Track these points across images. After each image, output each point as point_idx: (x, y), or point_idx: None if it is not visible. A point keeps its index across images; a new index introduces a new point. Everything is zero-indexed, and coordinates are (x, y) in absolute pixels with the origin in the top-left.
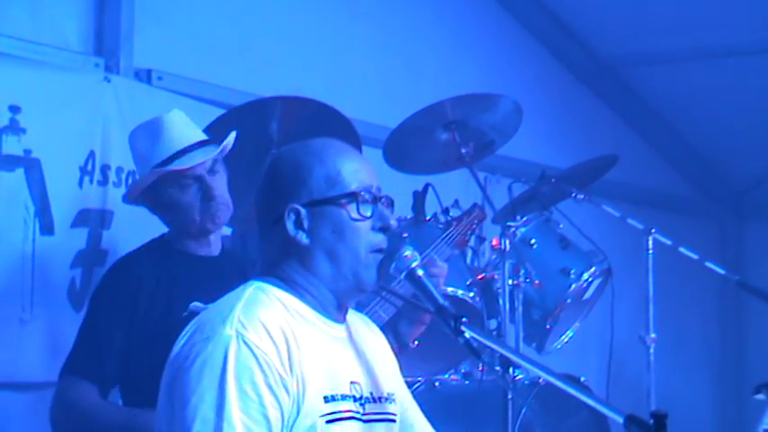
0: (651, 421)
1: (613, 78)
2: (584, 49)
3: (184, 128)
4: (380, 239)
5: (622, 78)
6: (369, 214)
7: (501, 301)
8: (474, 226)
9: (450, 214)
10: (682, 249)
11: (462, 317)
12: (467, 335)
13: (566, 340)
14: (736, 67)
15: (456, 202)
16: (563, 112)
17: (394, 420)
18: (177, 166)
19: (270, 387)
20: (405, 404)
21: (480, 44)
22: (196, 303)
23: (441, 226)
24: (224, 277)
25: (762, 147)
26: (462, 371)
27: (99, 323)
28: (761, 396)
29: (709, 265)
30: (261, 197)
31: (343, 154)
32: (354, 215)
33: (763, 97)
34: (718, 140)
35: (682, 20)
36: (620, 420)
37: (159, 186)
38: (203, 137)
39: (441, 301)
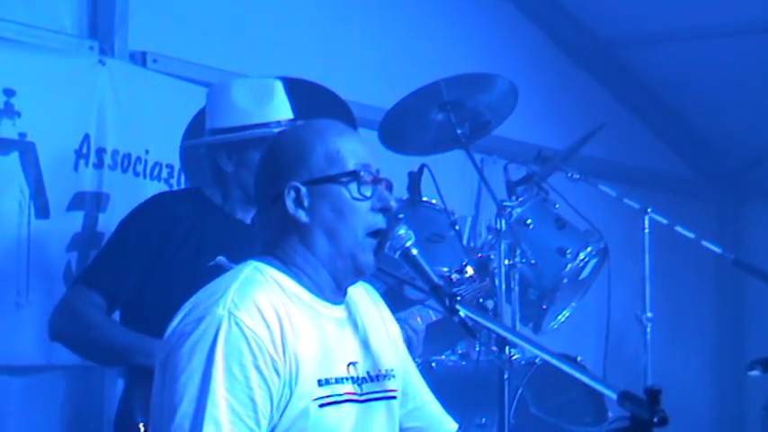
0: (645, 397)
1: (610, 59)
2: (580, 30)
3: (286, 102)
4: (379, 220)
5: (619, 59)
6: (369, 194)
7: (497, 282)
8: (481, 294)
9: (466, 273)
10: (678, 228)
11: (457, 296)
12: (461, 314)
13: (562, 320)
14: (733, 47)
15: (471, 221)
16: (559, 93)
17: (394, 397)
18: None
19: (258, 369)
20: (407, 378)
21: (476, 25)
22: (222, 258)
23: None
24: (252, 244)
25: (759, 127)
26: (459, 351)
27: (126, 245)
28: (755, 372)
29: (705, 244)
30: (261, 175)
31: (344, 133)
32: (355, 194)
33: (760, 77)
34: (715, 120)
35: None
36: (615, 397)
37: (247, 145)
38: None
39: (435, 280)
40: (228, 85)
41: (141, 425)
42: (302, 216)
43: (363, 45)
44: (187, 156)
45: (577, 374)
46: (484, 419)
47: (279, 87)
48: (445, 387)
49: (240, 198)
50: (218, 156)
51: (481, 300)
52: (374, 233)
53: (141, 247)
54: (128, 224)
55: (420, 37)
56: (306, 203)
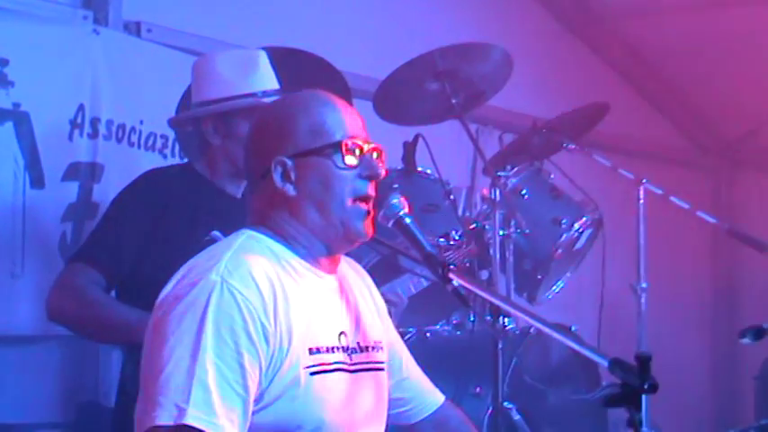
0: (635, 364)
1: (605, 29)
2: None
3: (271, 72)
4: (366, 187)
5: (614, 29)
6: (355, 163)
7: (492, 252)
8: (468, 258)
9: (452, 237)
10: (673, 199)
11: (450, 264)
12: (454, 282)
13: (557, 290)
14: (728, 18)
15: (466, 191)
16: (554, 63)
17: (382, 369)
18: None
19: (248, 335)
20: (393, 349)
21: None
22: (217, 232)
23: (439, 242)
24: (243, 218)
25: (754, 97)
26: (453, 321)
27: (120, 221)
28: (746, 340)
29: (700, 214)
30: (248, 151)
31: (329, 104)
32: (340, 164)
33: (756, 48)
34: (710, 91)
35: None
36: (605, 364)
37: (233, 115)
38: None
39: (428, 248)
40: (212, 56)
41: None
42: (290, 190)
43: (358, 15)
44: (179, 130)
45: (570, 343)
46: (478, 389)
47: (263, 57)
48: (440, 357)
49: (228, 171)
50: (204, 129)
51: (467, 263)
52: (362, 198)
53: (136, 223)
54: (121, 201)
55: (415, 6)
56: (293, 177)
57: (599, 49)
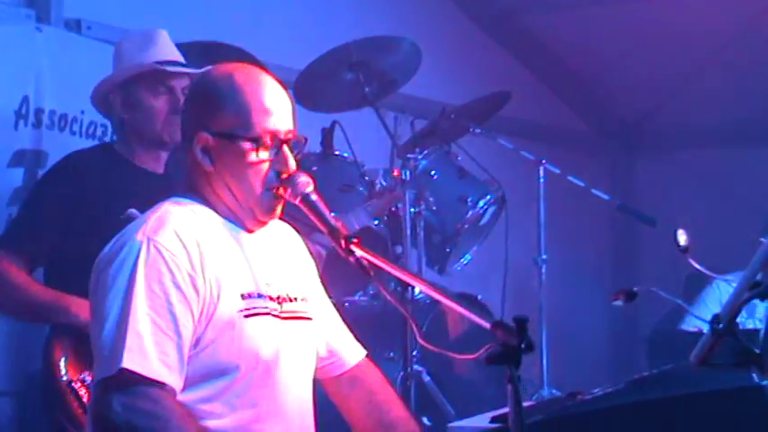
0: (514, 326)
1: (509, 22)
2: None
3: (172, 47)
4: (278, 179)
5: (518, 22)
6: (270, 158)
7: (404, 228)
8: (393, 202)
9: (377, 184)
10: (570, 178)
11: (352, 237)
12: (357, 254)
13: (465, 262)
14: (625, 9)
15: (383, 173)
16: (463, 54)
17: (310, 318)
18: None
19: (177, 286)
20: (319, 305)
21: None
22: (133, 210)
23: (362, 190)
24: (164, 194)
25: (650, 83)
26: (370, 292)
27: (40, 206)
28: (618, 302)
29: (594, 191)
30: (183, 113)
31: (260, 90)
32: (253, 158)
33: (652, 36)
34: (608, 77)
35: None
36: (488, 326)
37: (133, 85)
38: (183, 61)
39: (332, 223)
40: (119, 41)
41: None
42: (207, 164)
43: (281, 10)
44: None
45: (459, 308)
46: (391, 354)
47: (162, 34)
48: (357, 325)
49: (142, 145)
50: (114, 106)
51: (394, 208)
52: (272, 188)
53: (54, 208)
54: (41, 187)
55: (333, 1)
56: (211, 154)
57: (503, 40)
